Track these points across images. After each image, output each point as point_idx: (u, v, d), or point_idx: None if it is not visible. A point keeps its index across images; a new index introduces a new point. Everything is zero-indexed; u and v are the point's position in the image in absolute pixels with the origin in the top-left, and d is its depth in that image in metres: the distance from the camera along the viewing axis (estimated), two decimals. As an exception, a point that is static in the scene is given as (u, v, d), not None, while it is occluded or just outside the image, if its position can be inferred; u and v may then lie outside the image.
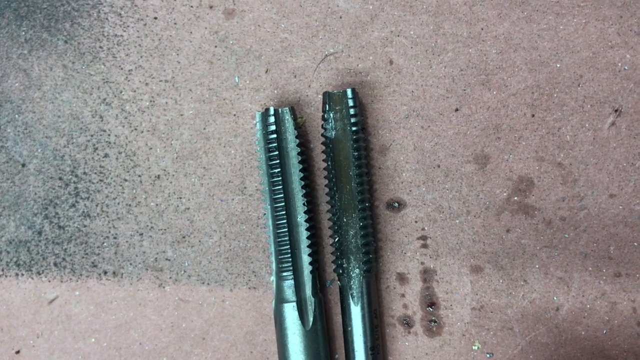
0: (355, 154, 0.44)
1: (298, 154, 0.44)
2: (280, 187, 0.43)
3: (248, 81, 0.47)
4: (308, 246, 0.44)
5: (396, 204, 0.46)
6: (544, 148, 0.44)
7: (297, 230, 0.44)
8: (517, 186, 0.44)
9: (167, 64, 0.48)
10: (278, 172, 0.43)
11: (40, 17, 0.50)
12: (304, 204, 0.44)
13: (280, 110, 0.44)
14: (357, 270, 0.44)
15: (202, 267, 0.48)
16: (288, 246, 0.43)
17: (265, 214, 0.46)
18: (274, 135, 0.43)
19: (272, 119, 0.44)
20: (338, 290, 0.45)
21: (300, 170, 0.44)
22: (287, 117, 0.44)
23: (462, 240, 0.45)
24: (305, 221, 0.44)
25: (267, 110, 0.44)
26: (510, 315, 0.45)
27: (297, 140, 0.44)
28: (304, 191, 0.44)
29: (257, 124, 0.44)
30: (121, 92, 0.49)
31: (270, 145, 0.44)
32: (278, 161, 0.43)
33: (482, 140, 0.45)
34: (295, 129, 0.44)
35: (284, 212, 0.43)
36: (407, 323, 0.46)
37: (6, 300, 0.50)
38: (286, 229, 0.43)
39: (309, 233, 0.44)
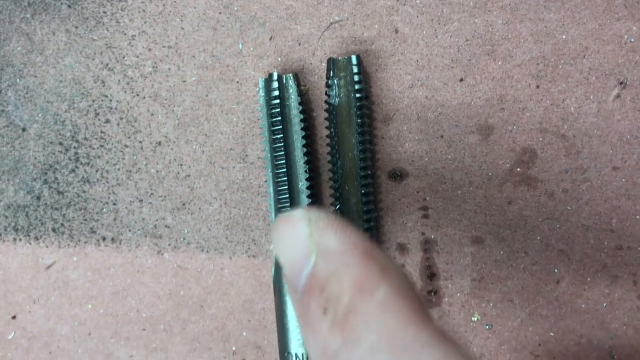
0: (359, 121, 0.43)
1: (301, 120, 0.44)
2: (283, 153, 0.43)
3: (252, 48, 0.47)
4: None
5: (398, 174, 0.46)
6: (547, 119, 0.44)
7: (298, 197, 0.44)
8: (520, 157, 0.44)
9: (171, 30, 0.48)
10: (280, 138, 0.43)
11: (44, -19, 0.50)
12: (305, 171, 0.44)
13: (284, 76, 0.44)
14: (357, 239, 0.43)
15: (202, 235, 0.48)
16: None
17: (266, 181, 0.46)
18: (277, 101, 0.43)
19: (275, 85, 0.43)
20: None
21: (302, 137, 0.44)
22: (291, 84, 0.44)
23: (464, 211, 0.45)
24: (307, 188, 0.44)
25: (271, 75, 0.43)
26: (510, 287, 0.45)
27: (300, 107, 0.44)
28: (306, 158, 0.44)
29: (260, 90, 0.44)
30: (124, 57, 0.49)
31: (273, 111, 0.43)
32: (280, 127, 0.43)
33: (486, 110, 0.45)
34: (298, 95, 0.44)
35: (285, 179, 0.43)
36: (407, 293, 0.46)
37: (3, 265, 0.50)
38: (287, 196, 0.43)
39: (310, 200, 0.44)
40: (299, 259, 0.31)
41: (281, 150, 0.43)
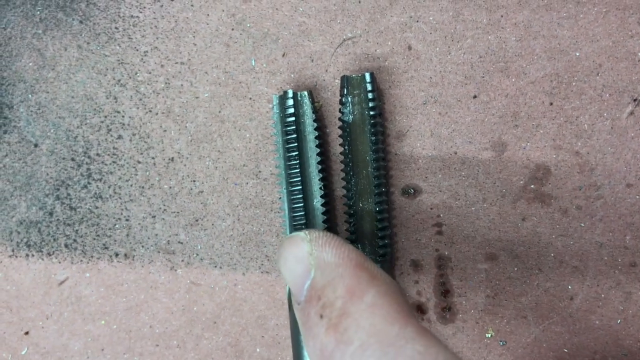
0: (373, 138, 0.44)
1: (315, 137, 0.44)
2: (298, 170, 0.43)
3: (265, 64, 0.47)
4: (325, 230, 0.44)
5: (412, 190, 0.46)
6: (561, 136, 0.44)
7: (313, 214, 0.44)
8: (533, 174, 0.45)
9: (183, 46, 0.48)
10: (295, 155, 0.43)
11: (56, -3, 0.50)
12: (320, 188, 0.44)
13: (299, 93, 0.44)
14: (371, 256, 0.44)
15: (215, 251, 0.48)
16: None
17: (280, 197, 0.46)
18: (292, 118, 0.43)
19: (290, 102, 0.44)
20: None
21: (317, 155, 0.44)
22: (306, 101, 0.44)
23: (478, 227, 0.45)
24: (322, 205, 0.44)
25: (286, 93, 0.44)
26: (524, 303, 0.45)
27: (315, 124, 0.44)
28: (321, 175, 0.44)
29: (275, 107, 0.44)
30: (136, 73, 0.49)
31: (288, 128, 0.44)
32: (295, 144, 0.43)
33: (500, 127, 0.45)
34: (313, 112, 0.44)
35: (300, 196, 0.44)
36: (421, 310, 0.46)
37: (16, 281, 0.50)
38: (302, 213, 0.44)
39: (325, 217, 0.44)
40: (301, 274, 0.35)
41: (296, 168, 0.44)
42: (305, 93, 0.44)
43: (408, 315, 0.32)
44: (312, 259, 0.35)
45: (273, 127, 0.45)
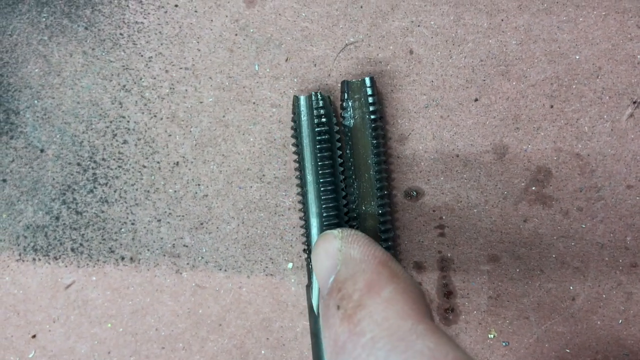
0: (374, 142, 0.44)
1: (337, 140, 0.45)
2: (330, 171, 0.44)
3: (268, 69, 0.48)
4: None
5: (414, 193, 0.47)
6: (562, 139, 0.45)
7: (342, 213, 0.45)
8: (535, 176, 0.45)
9: (188, 52, 0.49)
10: (328, 155, 0.44)
11: (61, 4, 0.51)
12: (342, 190, 0.45)
13: (323, 95, 0.45)
14: (375, 258, 0.44)
15: (220, 254, 0.49)
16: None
17: (301, 198, 0.45)
18: (324, 119, 0.44)
19: (321, 103, 0.44)
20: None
21: (339, 156, 0.45)
22: (329, 102, 0.45)
23: (480, 229, 0.46)
24: (344, 206, 0.44)
25: (315, 94, 0.44)
26: (526, 304, 0.46)
27: (337, 127, 0.45)
28: (342, 177, 0.45)
29: (300, 107, 0.44)
30: (141, 79, 0.50)
31: (321, 129, 0.44)
32: (329, 145, 0.44)
33: (501, 130, 0.46)
34: (332, 113, 0.45)
35: (333, 196, 0.44)
36: (424, 311, 0.47)
37: (23, 285, 0.51)
38: (335, 213, 0.44)
39: (346, 218, 0.45)
40: (328, 269, 0.37)
41: (329, 168, 0.44)
42: (329, 96, 0.45)
43: (423, 314, 0.33)
44: (340, 254, 0.37)
45: (292, 129, 0.46)
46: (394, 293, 0.33)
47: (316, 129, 0.44)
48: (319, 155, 0.44)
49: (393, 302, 0.33)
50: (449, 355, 0.29)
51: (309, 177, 0.45)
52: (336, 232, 0.39)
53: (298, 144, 0.45)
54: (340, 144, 0.45)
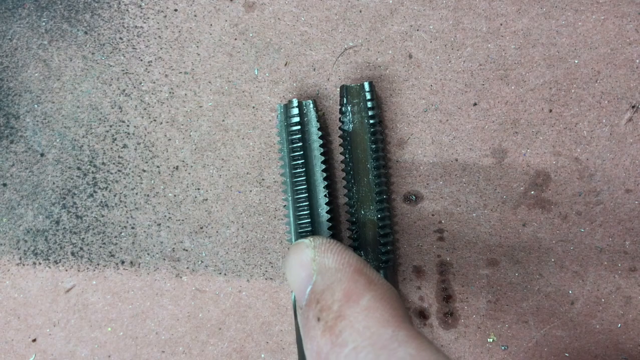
0: (373, 146, 0.45)
1: (320, 146, 0.45)
2: (303, 178, 0.45)
3: (267, 74, 0.48)
4: (330, 237, 0.45)
5: (413, 197, 0.47)
6: (561, 143, 0.45)
7: (318, 221, 0.45)
8: (534, 180, 0.46)
9: (187, 56, 0.49)
10: (301, 163, 0.45)
11: (61, 8, 0.51)
12: (325, 196, 0.45)
13: (304, 102, 0.45)
14: (374, 263, 0.45)
15: (220, 258, 0.49)
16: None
17: (285, 205, 0.47)
18: (298, 127, 0.45)
19: (295, 111, 0.45)
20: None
21: (322, 162, 0.45)
22: (310, 109, 0.45)
23: (479, 233, 0.46)
24: (327, 212, 0.45)
25: (291, 102, 0.45)
26: (525, 308, 0.46)
27: (320, 133, 0.45)
28: (325, 183, 0.45)
29: (279, 115, 0.46)
30: (140, 83, 0.50)
31: (294, 137, 0.45)
32: (301, 152, 0.45)
33: (500, 134, 0.46)
34: (317, 121, 0.45)
35: (306, 204, 0.45)
36: (423, 315, 0.47)
37: (23, 289, 0.51)
38: (308, 221, 0.45)
39: (330, 224, 0.45)
40: (304, 279, 0.37)
41: (302, 176, 0.45)
42: (310, 102, 0.45)
43: (402, 320, 0.33)
44: (314, 264, 0.37)
45: (277, 135, 0.47)
46: (373, 301, 0.34)
47: (289, 137, 0.45)
48: (292, 163, 0.45)
49: (372, 310, 0.33)
50: None
51: (288, 184, 0.45)
52: (308, 241, 0.39)
53: (281, 152, 0.46)
54: (324, 150, 0.46)
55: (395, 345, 0.31)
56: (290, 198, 0.45)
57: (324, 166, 0.45)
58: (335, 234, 0.46)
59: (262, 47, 0.49)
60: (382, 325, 0.32)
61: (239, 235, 0.49)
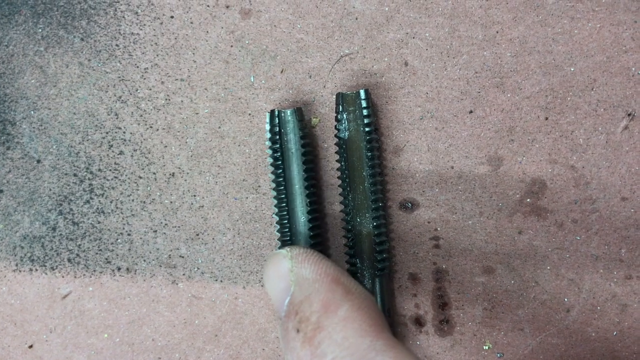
0: (369, 154, 0.45)
1: (303, 155, 0.45)
2: (282, 188, 0.46)
3: (263, 81, 0.49)
4: (311, 246, 0.45)
5: (409, 205, 0.47)
6: (557, 151, 0.46)
7: (297, 231, 0.46)
8: (529, 188, 0.46)
9: (183, 63, 0.50)
10: (280, 172, 0.46)
11: (57, 15, 0.51)
12: (307, 205, 0.45)
13: (282, 112, 0.45)
14: (370, 270, 0.45)
15: (216, 265, 0.50)
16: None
17: (274, 213, 0.47)
18: (277, 137, 0.45)
19: (275, 120, 0.45)
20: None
21: (304, 172, 0.45)
22: (289, 119, 0.45)
23: (475, 241, 0.47)
24: (309, 221, 0.45)
25: (272, 111, 0.45)
26: (521, 315, 0.46)
27: (302, 141, 0.45)
28: (307, 192, 0.45)
29: (267, 124, 0.46)
30: (137, 90, 0.50)
31: (273, 147, 0.46)
32: (280, 162, 0.46)
33: (496, 142, 0.46)
34: (300, 129, 0.45)
35: (285, 214, 0.46)
36: (419, 322, 0.48)
37: (20, 295, 0.52)
38: (287, 231, 0.45)
39: (311, 233, 0.45)
40: (282, 291, 0.38)
41: (281, 185, 0.46)
42: (289, 111, 0.46)
43: (380, 329, 0.34)
44: (292, 275, 0.38)
45: (266, 144, 0.47)
46: (350, 311, 0.35)
47: (302, 144, 0.46)
48: (273, 172, 0.46)
49: (350, 320, 0.34)
50: None
51: (297, 191, 0.46)
52: (284, 251, 0.40)
53: (281, 157, 0.46)
54: (305, 158, 0.46)
55: (373, 355, 0.32)
56: (275, 208, 0.46)
57: (305, 175, 0.45)
58: (317, 244, 0.46)
59: (258, 54, 0.49)
60: (360, 335, 0.33)
61: (235, 242, 0.50)
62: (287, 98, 0.49)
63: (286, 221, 0.46)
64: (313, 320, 0.35)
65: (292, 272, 0.38)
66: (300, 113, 0.46)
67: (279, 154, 0.45)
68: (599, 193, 0.46)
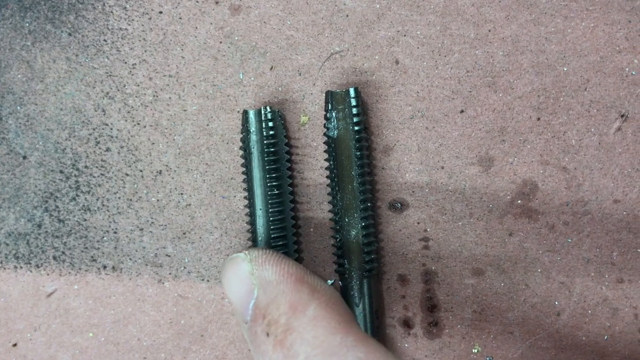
0: (358, 153, 0.45)
1: (266, 155, 0.45)
2: (247, 190, 0.46)
3: (253, 78, 0.48)
4: (272, 248, 0.45)
5: (399, 205, 0.47)
6: (548, 152, 0.45)
7: (256, 233, 0.46)
8: (521, 189, 0.45)
9: (172, 59, 0.49)
10: (245, 174, 0.46)
11: (45, 9, 0.51)
12: (268, 205, 0.45)
13: (246, 111, 0.46)
14: (358, 271, 0.45)
15: (202, 264, 0.49)
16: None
17: (248, 209, 0.48)
18: (272, 133, 0.45)
19: (270, 116, 0.45)
20: (339, 290, 0.46)
21: (266, 173, 0.45)
22: (253, 119, 0.45)
23: (464, 242, 0.46)
24: (270, 223, 0.45)
25: (265, 107, 0.45)
26: (510, 319, 0.46)
27: (266, 142, 0.45)
28: (268, 193, 0.45)
29: (250, 121, 0.46)
30: (124, 86, 0.50)
31: (242, 147, 0.46)
32: (245, 163, 0.46)
33: (487, 142, 0.46)
34: (266, 129, 0.45)
35: (247, 214, 0.47)
36: (407, 324, 0.47)
37: (4, 293, 0.51)
38: (250, 233, 0.46)
39: (272, 235, 0.45)
40: (245, 294, 0.38)
41: (246, 187, 0.46)
42: (251, 112, 0.45)
43: (349, 325, 0.35)
44: (253, 278, 0.38)
45: (242, 141, 0.47)
46: (319, 309, 0.35)
47: (265, 145, 0.45)
48: (267, 176, 0.45)
49: (319, 319, 0.35)
50: None
51: (257, 192, 0.45)
52: (243, 254, 0.40)
53: (246, 158, 0.46)
54: (269, 159, 0.45)
55: (345, 351, 0.32)
56: (260, 205, 0.46)
57: (267, 177, 0.45)
58: (279, 246, 0.45)
59: (247, 51, 0.48)
60: (331, 333, 0.34)
61: (222, 241, 0.49)
62: (276, 95, 0.48)
63: (250, 224, 0.46)
64: (282, 323, 0.35)
65: (253, 275, 0.38)
66: (273, 113, 0.45)
67: (245, 155, 0.46)
68: (591, 195, 0.45)
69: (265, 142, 0.45)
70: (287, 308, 0.35)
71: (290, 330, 0.34)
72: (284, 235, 0.45)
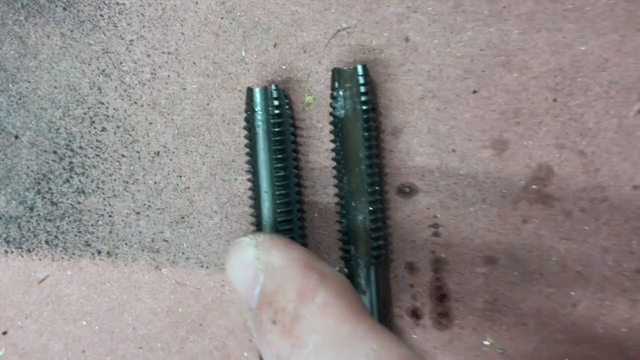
0: (366, 134, 0.43)
1: (273, 136, 0.43)
2: (251, 171, 0.44)
3: (255, 55, 0.46)
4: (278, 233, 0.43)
5: (407, 189, 0.45)
6: (565, 135, 0.43)
7: (261, 217, 0.43)
8: (536, 174, 0.44)
9: (171, 35, 0.47)
10: (250, 155, 0.44)
11: (39, -18, 0.49)
12: (274, 189, 0.43)
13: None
14: (365, 258, 0.43)
15: (202, 250, 0.47)
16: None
17: (252, 192, 0.46)
18: (250, 117, 0.44)
19: (276, 94, 0.44)
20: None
21: (272, 154, 0.43)
22: (259, 98, 0.43)
23: (476, 229, 0.45)
24: (276, 207, 0.43)
25: (270, 85, 0.43)
26: (524, 309, 0.44)
27: (272, 122, 0.43)
28: (275, 176, 0.43)
29: (255, 99, 0.44)
30: (121, 63, 0.48)
31: (246, 127, 0.44)
32: (250, 144, 0.44)
33: (501, 124, 0.44)
34: (271, 108, 0.43)
35: (251, 197, 0.44)
36: (416, 315, 0.46)
37: (-6, 279, 0.49)
38: (255, 216, 0.44)
39: (279, 219, 0.43)
40: (250, 281, 0.36)
41: (250, 169, 0.44)
42: (257, 90, 0.43)
43: (361, 313, 0.33)
44: (259, 263, 0.36)
45: (245, 120, 0.45)
46: (328, 297, 0.33)
47: (271, 124, 0.43)
48: (274, 157, 0.43)
49: (329, 307, 0.33)
50: (392, 354, 0.30)
51: (263, 174, 0.43)
52: (248, 239, 0.38)
53: (250, 139, 0.44)
54: (276, 139, 0.43)
55: (357, 342, 0.31)
56: (265, 186, 0.44)
57: (273, 158, 0.43)
58: (286, 231, 0.43)
59: (250, 27, 0.46)
60: (341, 322, 0.32)
61: (222, 226, 0.47)
62: (280, 74, 0.46)
63: (254, 207, 0.44)
64: (290, 310, 0.33)
65: (259, 260, 0.36)
66: (277, 91, 0.43)
67: (250, 135, 0.44)
68: (610, 180, 0.43)
69: (271, 121, 0.43)
70: (294, 295, 0.33)
71: (298, 319, 0.32)
72: (290, 220, 0.43)
